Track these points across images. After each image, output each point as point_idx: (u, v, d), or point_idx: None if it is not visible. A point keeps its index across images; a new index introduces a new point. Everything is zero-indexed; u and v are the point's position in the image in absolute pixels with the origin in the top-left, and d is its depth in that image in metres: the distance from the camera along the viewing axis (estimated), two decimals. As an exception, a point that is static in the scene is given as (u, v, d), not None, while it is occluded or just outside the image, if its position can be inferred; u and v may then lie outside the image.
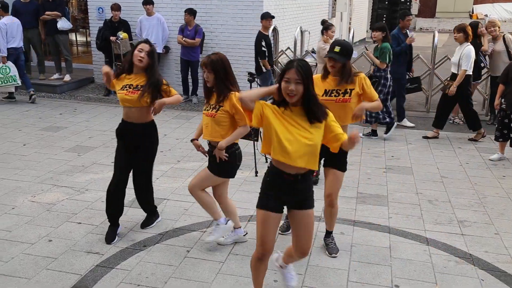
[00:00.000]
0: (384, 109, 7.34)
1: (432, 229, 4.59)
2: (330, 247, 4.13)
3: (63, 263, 3.86)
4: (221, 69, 3.71)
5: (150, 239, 4.28)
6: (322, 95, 3.77)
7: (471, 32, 7.82)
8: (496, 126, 6.72)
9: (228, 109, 3.73)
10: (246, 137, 4.85)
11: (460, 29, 7.13)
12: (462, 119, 8.36)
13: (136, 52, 3.99)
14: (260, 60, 8.19)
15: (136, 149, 4.18)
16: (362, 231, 4.49)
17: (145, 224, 4.51)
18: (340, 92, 3.82)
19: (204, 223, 4.59)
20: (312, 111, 2.89)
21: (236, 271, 3.81)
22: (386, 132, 7.50)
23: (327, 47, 5.88)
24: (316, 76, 3.78)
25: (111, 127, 7.68)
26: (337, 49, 3.73)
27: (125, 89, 4.02)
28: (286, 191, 3.03)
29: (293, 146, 2.88)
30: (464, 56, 6.93)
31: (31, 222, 4.54)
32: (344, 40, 4.05)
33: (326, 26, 7.91)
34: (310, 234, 3.17)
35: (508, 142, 6.54)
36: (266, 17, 8.23)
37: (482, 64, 7.99)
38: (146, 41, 4.08)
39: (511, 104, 6.35)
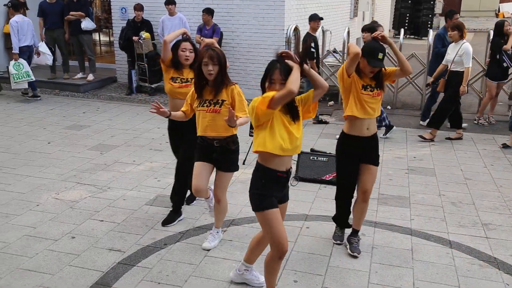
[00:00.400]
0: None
1: (456, 231, 4.51)
2: (353, 246, 4.10)
3: (85, 260, 3.92)
4: (223, 63, 3.72)
5: (171, 238, 4.31)
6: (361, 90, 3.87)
7: (498, 30, 7.71)
8: None
9: (230, 100, 3.75)
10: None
11: (455, 26, 7.10)
12: (488, 120, 8.22)
13: (180, 52, 4.28)
14: (308, 61, 7.93)
15: (181, 136, 4.42)
16: (384, 233, 4.45)
17: (167, 221, 4.54)
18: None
19: (224, 222, 4.60)
20: (295, 107, 3.03)
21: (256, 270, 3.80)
22: (385, 134, 7.43)
23: None
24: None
25: (133, 126, 7.77)
26: (381, 56, 3.76)
27: (177, 82, 4.31)
28: (279, 188, 3.14)
29: (292, 143, 3.00)
30: (465, 54, 6.88)
31: (54, 219, 4.62)
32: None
33: (372, 27, 7.64)
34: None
35: None
36: (315, 18, 8.06)
37: (504, 64, 7.81)
38: (185, 39, 4.32)
39: None
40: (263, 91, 3.02)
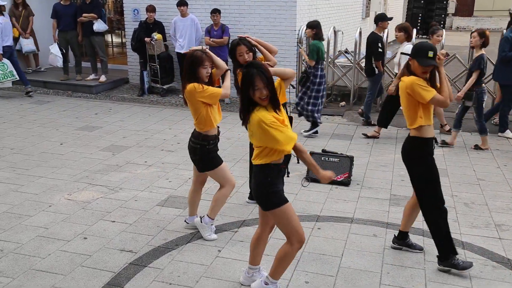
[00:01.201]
0: (310, 107, 7.29)
1: (468, 232, 4.47)
2: (413, 245, 4.14)
3: (97, 261, 3.95)
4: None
5: (182, 238, 4.32)
6: None
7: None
8: None
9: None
10: None
11: (402, 28, 7.10)
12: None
13: (239, 58, 4.38)
14: (374, 61, 7.68)
15: None
16: (395, 234, 4.41)
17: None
18: None
19: (235, 223, 4.60)
20: (278, 103, 3.16)
21: (267, 271, 3.79)
22: (307, 131, 7.43)
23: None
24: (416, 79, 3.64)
25: (145, 127, 7.81)
26: (431, 54, 3.59)
27: None
28: (282, 180, 3.28)
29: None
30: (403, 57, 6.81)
31: (67, 219, 4.66)
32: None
33: (432, 30, 7.53)
34: None
35: None
36: (384, 19, 7.82)
37: None
38: (238, 43, 4.40)
39: None
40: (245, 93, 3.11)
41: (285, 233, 3.24)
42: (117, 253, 4.07)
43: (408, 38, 7.11)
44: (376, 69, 7.74)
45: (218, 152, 4.16)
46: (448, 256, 3.78)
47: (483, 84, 6.85)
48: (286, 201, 3.19)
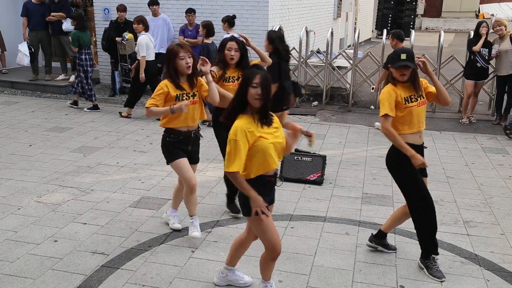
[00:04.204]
0: (86, 87, 8.61)
1: (438, 229, 4.55)
2: (389, 245, 4.18)
3: (68, 264, 3.88)
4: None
5: (155, 240, 4.29)
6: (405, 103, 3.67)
7: (476, 31, 7.88)
8: None
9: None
10: None
11: (140, 20, 7.96)
12: (468, 119, 8.33)
13: (226, 51, 4.40)
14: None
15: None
16: (367, 232, 4.47)
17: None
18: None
19: (209, 223, 4.59)
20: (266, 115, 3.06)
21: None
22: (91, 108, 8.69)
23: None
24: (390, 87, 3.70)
25: (117, 128, 7.71)
26: (403, 56, 3.64)
27: (231, 81, 4.48)
28: (267, 192, 3.15)
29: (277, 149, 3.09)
30: (139, 45, 7.85)
31: (36, 222, 4.57)
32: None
33: (228, 20, 7.94)
34: None
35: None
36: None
37: (478, 64, 7.93)
38: (232, 39, 4.42)
39: None
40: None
41: (262, 242, 3.20)
42: (88, 255, 4.01)
43: (146, 29, 8.06)
44: None
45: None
46: (428, 255, 3.83)
47: None
48: (264, 213, 3.06)
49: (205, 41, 7.89)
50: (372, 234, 4.21)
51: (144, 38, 7.89)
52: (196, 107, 4.05)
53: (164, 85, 3.92)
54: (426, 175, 3.91)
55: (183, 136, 4.05)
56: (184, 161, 4.06)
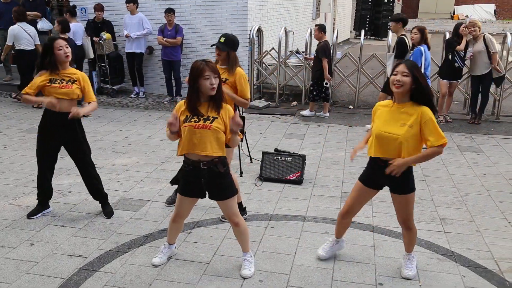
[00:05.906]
0: None
1: (416, 227, 4.62)
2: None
3: (45, 267, 3.82)
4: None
5: (134, 241, 4.25)
6: None
7: (456, 31, 8.02)
8: None
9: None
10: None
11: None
12: (444, 118, 8.47)
13: (57, 51, 4.39)
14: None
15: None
16: (347, 230, 4.51)
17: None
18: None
19: (189, 224, 4.57)
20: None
21: (221, 272, 3.80)
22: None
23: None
24: None
25: (95, 129, 7.62)
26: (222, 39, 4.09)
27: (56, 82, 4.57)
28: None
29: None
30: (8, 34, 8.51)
31: (12, 226, 4.48)
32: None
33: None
34: None
35: None
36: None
37: (456, 64, 8.07)
38: (57, 38, 4.45)
39: None
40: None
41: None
42: (66, 258, 3.95)
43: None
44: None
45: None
46: None
47: None
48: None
49: None
50: None
51: (15, 28, 8.65)
52: (208, 133, 3.40)
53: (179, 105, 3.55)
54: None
55: (193, 166, 3.52)
56: (185, 200, 3.69)
